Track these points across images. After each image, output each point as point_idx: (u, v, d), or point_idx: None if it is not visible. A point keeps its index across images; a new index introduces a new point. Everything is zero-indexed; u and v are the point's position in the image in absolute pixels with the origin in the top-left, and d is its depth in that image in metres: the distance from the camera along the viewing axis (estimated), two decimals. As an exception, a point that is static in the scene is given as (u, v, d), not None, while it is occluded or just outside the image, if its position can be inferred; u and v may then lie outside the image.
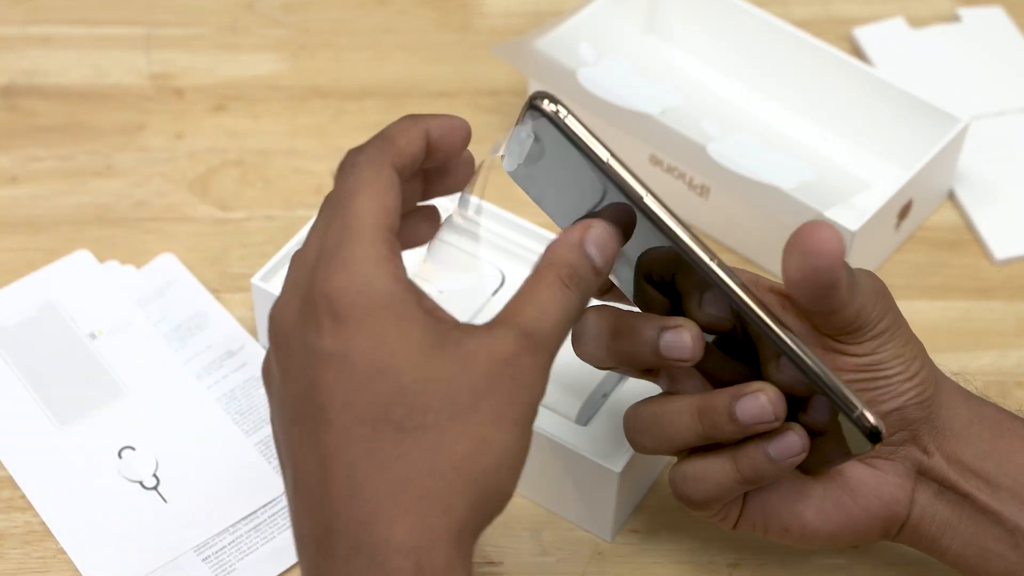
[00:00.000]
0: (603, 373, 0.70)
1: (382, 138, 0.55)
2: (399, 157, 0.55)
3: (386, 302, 0.52)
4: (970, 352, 0.79)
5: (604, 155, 0.56)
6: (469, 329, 0.53)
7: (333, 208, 0.54)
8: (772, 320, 0.57)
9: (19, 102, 0.89)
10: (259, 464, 0.73)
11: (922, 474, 0.62)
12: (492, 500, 0.52)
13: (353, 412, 0.51)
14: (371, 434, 0.51)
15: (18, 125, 0.88)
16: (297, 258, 0.55)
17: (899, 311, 0.61)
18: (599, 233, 0.55)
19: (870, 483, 0.62)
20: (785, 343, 0.57)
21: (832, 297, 0.57)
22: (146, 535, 0.70)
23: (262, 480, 0.72)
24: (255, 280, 0.74)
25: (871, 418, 0.57)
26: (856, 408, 0.57)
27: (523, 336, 0.53)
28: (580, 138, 0.56)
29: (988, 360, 0.79)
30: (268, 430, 0.74)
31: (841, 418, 0.57)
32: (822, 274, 0.56)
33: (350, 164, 0.55)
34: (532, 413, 0.53)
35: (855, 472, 0.62)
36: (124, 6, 0.94)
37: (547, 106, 0.56)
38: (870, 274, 0.60)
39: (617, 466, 0.67)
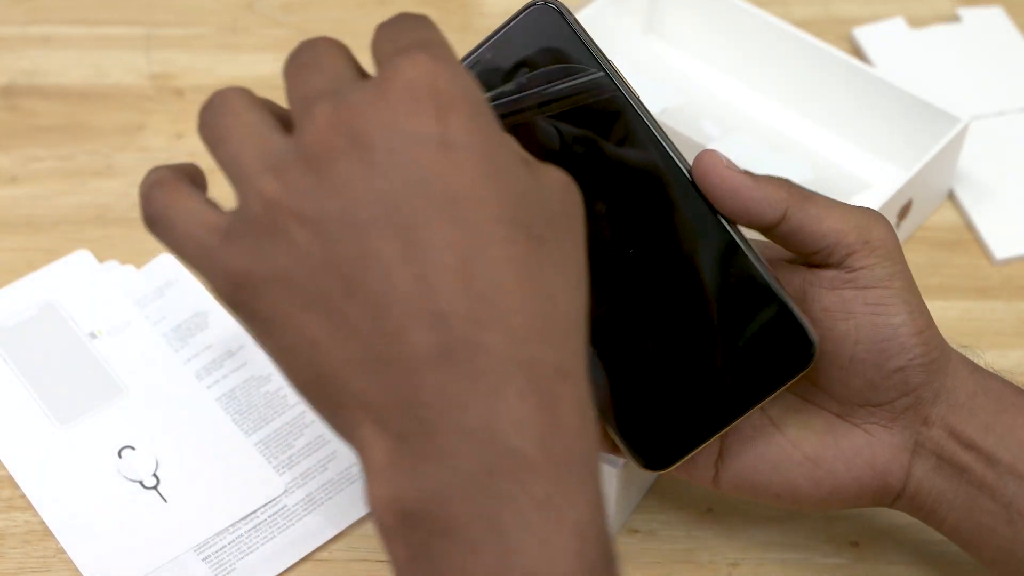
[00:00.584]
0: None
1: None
2: None
3: (487, 110, 0.47)
4: (970, 352, 0.79)
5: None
6: None
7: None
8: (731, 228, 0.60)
9: (19, 102, 0.89)
10: (259, 464, 0.73)
11: (920, 445, 0.62)
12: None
13: (485, 208, 0.45)
14: (508, 236, 0.45)
15: (18, 125, 0.88)
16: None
17: (906, 267, 0.61)
18: None
19: (864, 452, 0.61)
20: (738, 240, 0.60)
21: (754, 190, 0.59)
22: (146, 535, 0.70)
23: (262, 480, 0.72)
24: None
25: (807, 325, 0.59)
26: (797, 313, 0.59)
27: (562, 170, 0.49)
28: None
29: (987, 360, 0.79)
30: (268, 430, 0.74)
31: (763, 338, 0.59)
32: (711, 171, 0.59)
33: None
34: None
35: (849, 440, 0.62)
36: (124, 6, 0.94)
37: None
38: (867, 212, 0.61)
39: (616, 464, 0.67)
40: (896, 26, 0.94)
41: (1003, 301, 0.82)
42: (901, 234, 0.83)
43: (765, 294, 0.60)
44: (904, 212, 0.81)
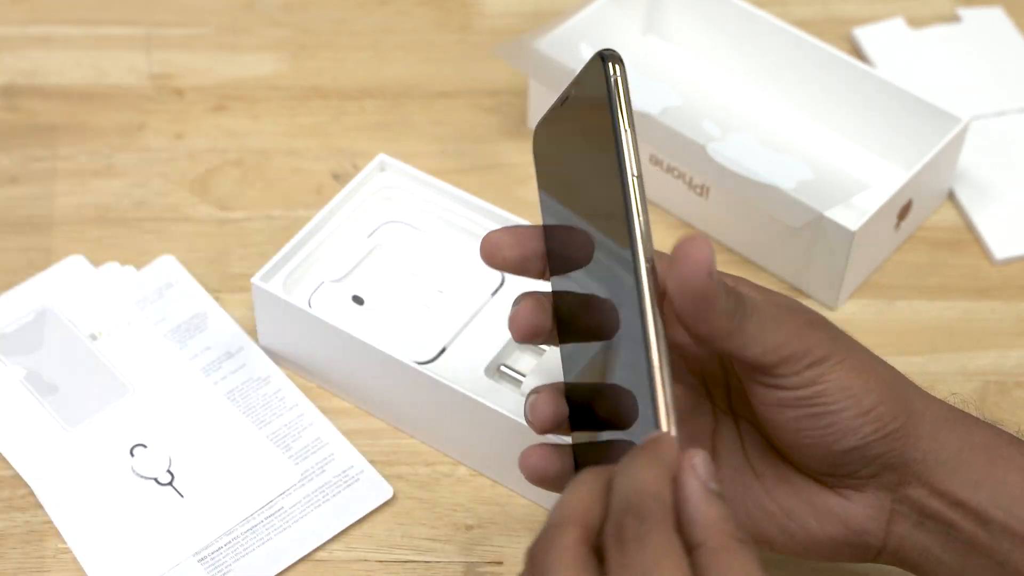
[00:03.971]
0: None
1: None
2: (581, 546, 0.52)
3: None
4: (970, 352, 0.79)
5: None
6: None
7: None
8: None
9: (19, 102, 0.89)
10: (274, 454, 0.73)
11: (899, 503, 0.60)
12: None
13: None
14: None
15: (18, 125, 0.88)
16: None
17: (849, 342, 0.59)
18: (706, 463, 0.53)
19: (836, 511, 0.60)
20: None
21: (709, 316, 0.55)
22: (163, 532, 0.70)
23: (277, 469, 0.72)
24: (255, 280, 0.74)
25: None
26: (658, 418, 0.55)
27: None
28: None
29: (988, 360, 0.79)
30: (267, 431, 0.74)
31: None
32: (688, 281, 0.55)
33: None
34: None
35: (822, 499, 0.60)
36: (124, 6, 0.94)
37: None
38: (795, 307, 0.59)
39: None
40: (896, 26, 0.94)
41: (1003, 301, 0.82)
42: (901, 234, 0.83)
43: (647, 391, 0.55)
44: (904, 212, 0.81)
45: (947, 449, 0.59)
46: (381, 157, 0.79)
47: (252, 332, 0.78)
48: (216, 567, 0.69)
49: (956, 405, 0.62)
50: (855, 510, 0.60)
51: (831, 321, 0.60)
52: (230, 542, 0.70)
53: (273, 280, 0.74)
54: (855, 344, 0.60)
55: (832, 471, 0.60)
